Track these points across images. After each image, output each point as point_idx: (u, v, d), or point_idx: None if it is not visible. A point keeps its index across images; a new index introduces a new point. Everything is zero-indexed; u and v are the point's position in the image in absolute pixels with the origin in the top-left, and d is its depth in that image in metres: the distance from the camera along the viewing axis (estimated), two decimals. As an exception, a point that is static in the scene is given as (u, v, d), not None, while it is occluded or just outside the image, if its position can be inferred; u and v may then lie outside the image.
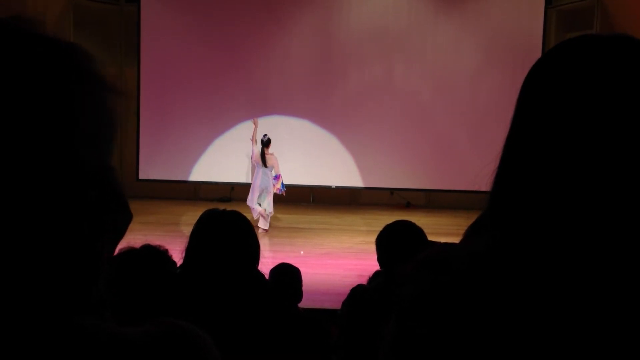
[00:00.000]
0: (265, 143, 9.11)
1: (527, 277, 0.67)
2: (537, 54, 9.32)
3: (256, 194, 8.98)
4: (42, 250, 0.53)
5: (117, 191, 0.59)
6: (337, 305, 3.11)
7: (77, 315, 0.56)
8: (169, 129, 11.32)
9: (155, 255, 2.21)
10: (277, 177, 9.13)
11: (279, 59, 11.22)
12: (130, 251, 2.14)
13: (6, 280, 0.52)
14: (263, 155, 9.06)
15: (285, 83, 11.23)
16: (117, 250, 2.11)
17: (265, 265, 2.52)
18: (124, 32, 11.67)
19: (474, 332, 0.66)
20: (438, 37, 11.16)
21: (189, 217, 9.01)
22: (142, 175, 11.39)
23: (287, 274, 3.40)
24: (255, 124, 9.51)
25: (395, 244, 2.72)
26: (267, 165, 9.06)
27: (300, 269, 3.51)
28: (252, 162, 9.67)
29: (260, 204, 8.97)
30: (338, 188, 11.48)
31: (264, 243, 7.96)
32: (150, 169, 11.38)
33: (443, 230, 7.38)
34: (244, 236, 2.24)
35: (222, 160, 11.21)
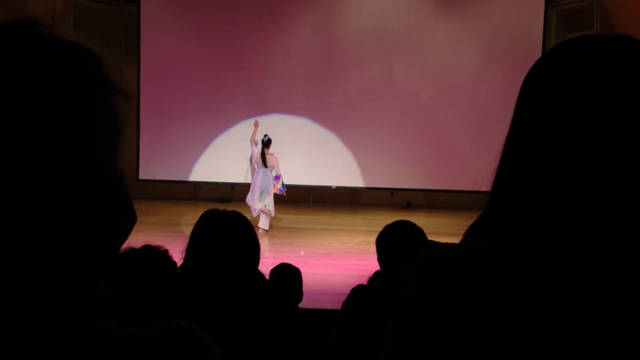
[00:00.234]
0: (266, 143, 9.11)
1: (527, 277, 0.67)
2: (537, 54, 9.33)
3: (256, 194, 8.98)
4: (42, 249, 0.53)
5: (120, 192, 0.59)
6: (337, 305, 3.11)
7: (78, 315, 0.57)
8: (169, 129, 11.32)
9: (156, 255, 2.21)
10: (277, 178, 9.13)
11: (279, 58, 11.22)
12: (130, 251, 2.14)
13: (6, 279, 0.52)
14: (263, 156, 9.06)
15: (285, 83, 11.23)
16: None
17: (266, 265, 2.52)
18: (124, 32, 11.67)
19: (474, 332, 0.66)
20: (438, 37, 11.16)
21: (189, 217, 9.01)
22: (142, 176, 11.39)
23: (288, 274, 3.40)
24: (256, 125, 9.51)
25: (396, 244, 2.72)
26: (268, 165, 9.06)
27: (300, 269, 3.51)
28: (251, 163, 9.67)
29: (264, 204, 8.98)
30: (338, 188, 11.48)
31: (264, 243, 7.96)
32: (150, 169, 11.38)
33: (443, 230, 7.37)
34: (244, 236, 2.24)
35: (222, 161, 11.22)
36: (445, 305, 0.68)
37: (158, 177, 11.42)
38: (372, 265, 3.26)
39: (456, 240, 0.80)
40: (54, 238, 0.53)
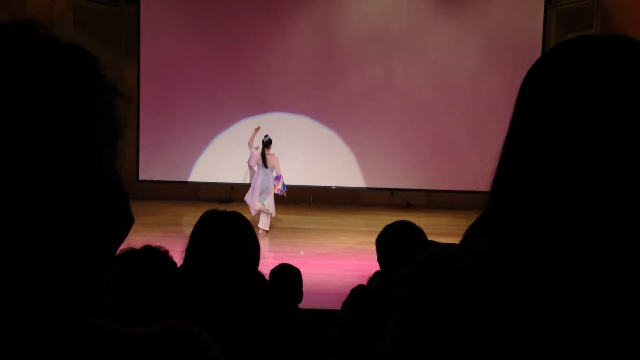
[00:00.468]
0: (266, 144, 9.11)
1: (527, 278, 0.67)
2: (537, 54, 9.32)
3: (256, 193, 8.98)
4: (43, 250, 0.53)
5: (119, 193, 0.59)
6: (337, 305, 3.11)
7: (78, 316, 0.57)
8: (169, 129, 11.32)
9: (156, 256, 2.21)
10: (278, 178, 9.13)
11: (279, 58, 11.22)
12: (130, 252, 2.14)
13: (9, 279, 0.52)
14: (264, 156, 9.06)
15: (286, 83, 11.24)
16: (117, 252, 2.11)
17: (266, 265, 2.52)
18: (123, 32, 11.67)
19: (474, 332, 0.66)
20: (438, 37, 11.17)
21: (189, 217, 9.01)
22: (142, 176, 11.39)
23: (288, 275, 3.40)
24: (257, 129, 9.49)
25: (396, 244, 2.72)
26: (268, 165, 9.06)
27: (300, 269, 3.51)
28: (249, 166, 9.68)
29: (263, 204, 8.98)
30: (338, 188, 11.48)
31: (264, 243, 7.97)
32: (150, 169, 11.38)
33: (443, 230, 7.37)
34: (244, 237, 2.24)
35: (222, 161, 11.22)
36: (445, 306, 0.68)
37: (158, 178, 11.42)
38: (372, 265, 3.26)
39: (456, 240, 0.80)
40: (54, 239, 0.53)
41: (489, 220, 0.75)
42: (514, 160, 0.73)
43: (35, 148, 0.51)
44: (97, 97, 0.56)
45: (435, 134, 11.16)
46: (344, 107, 11.22)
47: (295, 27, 11.25)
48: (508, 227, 0.71)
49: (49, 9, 9.74)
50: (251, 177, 9.44)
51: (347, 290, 2.82)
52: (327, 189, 11.51)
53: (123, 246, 2.12)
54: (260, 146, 9.16)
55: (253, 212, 8.85)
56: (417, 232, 2.77)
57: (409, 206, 11.55)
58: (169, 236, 7.75)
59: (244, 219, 2.31)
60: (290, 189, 9.69)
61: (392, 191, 11.59)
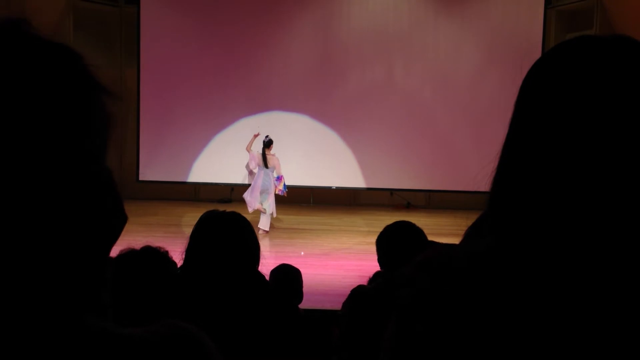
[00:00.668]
0: (267, 144, 9.11)
1: (527, 278, 0.67)
2: (537, 54, 9.29)
3: (256, 193, 8.97)
4: (38, 250, 0.53)
5: (111, 191, 0.59)
6: (337, 306, 3.10)
7: (76, 315, 0.56)
8: (169, 129, 11.32)
9: (156, 256, 2.21)
10: (279, 179, 9.13)
11: (279, 59, 11.22)
12: (130, 252, 2.14)
13: (10, 279, 0.52)
14: (264, 156, 9.06)
15: (286, 83, 11.24)
16: (117, 252, 2.11)
17: (266, 266, 2.52)
18: (123, 33, 11.68)
19: (474, 332, 0.66)
20: (438, 37, 11.17)
21: (189, 218, 9.02)
22: (142, 177, 11.39)
23: (288, 275, 3.39)
24: (255, 136, 9.47)
25: (396, 244, 2.72)
26: (269, 166, 9.06)
27: (300, 269, 3.51)
28: (248, 171, 9.68)
29: (261, 204, 8.98)
30: (338, 189, 11.48)
31: (264, 244, 7.97)
32: (151, 170, 11.38)
33: (443, 230, 7.39)
34: (244, 237, 2.24)
35: (223, 161, 11.22)
36: (445, 305, 0.68)
37: (158, 178, 11.42)
38: (372, 265, 3.26)
39: (456, 240, 0.81)
40: (47, 237, 0.53)
41: (488, 221, 0.75)
42: (514, 161, 0.73)
43: (25, 147, 0.51)
44: (85, 95, 0.56)
45: (435, 134, 11.16)
46: (344, 107, 11.22)
47: (296, 27, 11.25)
48: (508, 228, 0.71)
49: (50, 9, 9.74)
50: (251, 179, 9.43)
51: (347, 291, 2.82)
52: (327, 190, 11.51)
53: (123, 247, 2.13)
54: (261, 146, 9.16)
55: (250, 210, 8.85)
56: (417, 233, 2.77)
57: (409, 206, 11.55)
58: (169, 236, 7.75)
59: (244, 219, 2.31)
60: (291, 189, 9.69)
61: (392, 191, 11.59)
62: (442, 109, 11.18)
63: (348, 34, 11.22)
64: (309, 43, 11.25)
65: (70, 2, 10.68)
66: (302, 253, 7.96)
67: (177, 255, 2.28)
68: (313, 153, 11.24)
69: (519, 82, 0.76)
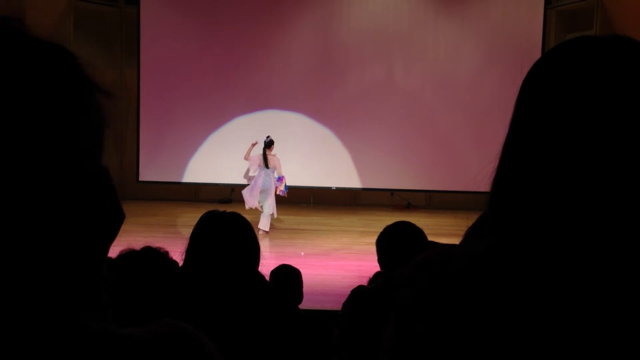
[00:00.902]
0: (268, 144, 9.11)
1: (527, 278, 0.67)
2: (537, 54, 9.33)
3: (256, 192, 8.96)
4: (36, 250, 0.53)
5: (108, 189, 0.59)
6: (337, 306, 3.11)
7: (74, 315, 0.56)
8: (169, 129, 11.33)
9: (156, 257, 2.21)
10: (280, 179, 9.13)
11: (279, 59, 11.23)
12: (130, 253, 2.14)
13: (7, 279, 0.52)
14: (265, 157, 9.06)
15: (286, 83, 11.24)
16: (117, 253, 2.11)
17: (266, 266, 2.52)
18: (123, 33, 11.68)
19: (474, 332, 0.66)
20: (438, 37, 11.17)
21: (189, 218, 9.01)
22: (142, 177, 11.39)
23: (288, 275, 3.40)
24: (253, 145, 9.45)
25: (396, 245, 2.72)
26: (269, 166, 9.06)
27: (300, 270, 3.51)
28: (247, 178, 9.68)
29: (261, 204, 8.98)
30: (338, 189, 11.48)
31: (264, 244, 7.97)
32: (151, 170, 11.38)
33: (443, 231, 7.38)
34: (244, 237, 2.24)
35: (223, 162, 11.22)
36: (444, 306, 0.68)
37: (158, 179, 11.42)
38: (372, 266, 3.26)
39: (456, 240, 0.81)
40: (43, 237, 0.53)
41: (488, 221, 0.75)
42: (514, 161, 0.73)
43: (19, 146, 0.51)
44: (78, 93, 0.56)
45: (435, 134, 11.16)
46: (344, 107, 11.22)
47: (296, 27, 11.26)
48: (507, 228, 0.71)
49: (50, 10, 9.74)
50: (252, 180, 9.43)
51: (347, 291, 2.82)
52: (327, 190, 11.51)
53: (123, 247, 2.12)
54: (262, 147, 9.17)
55: (247, 207, 8.85)
56: (417, 233, 2.77)
57: (409, 207, 11.55)
58: (169, 237, 7.76)
59: (244, 219, 2.31)
60: (291, 189, 9.69)
61: (392, 192, 11.59)
62: (442, 109, 11.18)
63: (348, 34, 11.22)
64: (309, 43, 11.25)
65: (70, 2, 10.69)
66: (302, 253, 7.96)
67: (177, 256, 2.28)
68: (313, 153, 11.24)
69: (519, 82, 0.75)
